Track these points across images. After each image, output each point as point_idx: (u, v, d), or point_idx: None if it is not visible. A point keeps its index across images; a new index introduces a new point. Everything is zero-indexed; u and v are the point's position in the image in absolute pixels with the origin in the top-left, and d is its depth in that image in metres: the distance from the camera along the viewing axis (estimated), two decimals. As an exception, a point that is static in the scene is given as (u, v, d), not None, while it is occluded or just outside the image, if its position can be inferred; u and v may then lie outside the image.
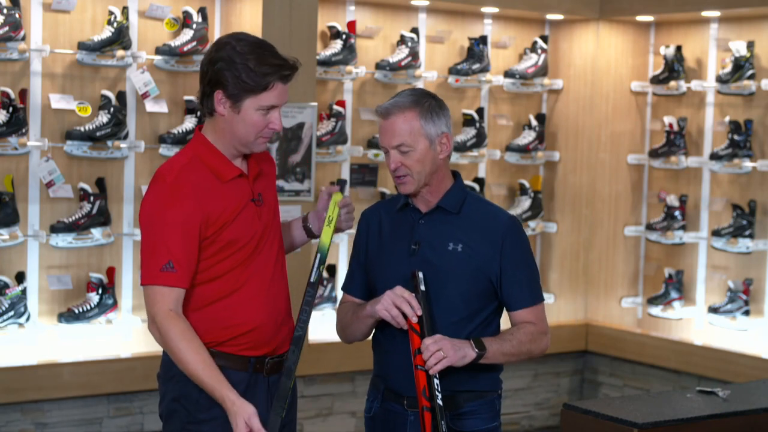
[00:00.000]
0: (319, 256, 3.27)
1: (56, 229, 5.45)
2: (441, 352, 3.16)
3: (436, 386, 3.19)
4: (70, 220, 5.50)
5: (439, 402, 3.19)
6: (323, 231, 3.29)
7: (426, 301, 3.24)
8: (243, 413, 3.07)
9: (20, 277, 5.43)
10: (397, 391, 3.37)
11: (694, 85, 6.85)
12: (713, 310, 6.69)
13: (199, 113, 5.74)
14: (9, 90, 5.32)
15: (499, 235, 3.30)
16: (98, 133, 5.51)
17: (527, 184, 7.05)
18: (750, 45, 6.57)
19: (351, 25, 6.29)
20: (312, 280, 3.26)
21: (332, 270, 6.35)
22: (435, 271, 3.28)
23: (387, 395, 3.40)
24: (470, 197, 3.38)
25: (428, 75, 6.54)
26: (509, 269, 3.30)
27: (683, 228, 6.93)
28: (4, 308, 5.33)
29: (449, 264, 3.29)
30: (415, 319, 3.20)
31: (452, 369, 3.24)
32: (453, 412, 3.31)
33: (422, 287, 3.23)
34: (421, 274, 3.24)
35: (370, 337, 3.47)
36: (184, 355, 3.11)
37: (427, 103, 3.28)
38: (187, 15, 5.76)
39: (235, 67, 3.13)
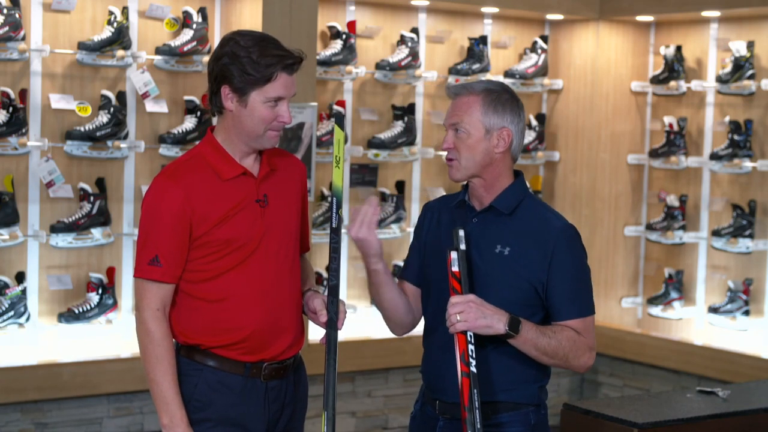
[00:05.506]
0: (334, 200, 3.20)
1: (56, 229, 5.45)
2: (460, 315, 3.05)
3: (470, 352, 3.06)
4: (70, 220, 5.50)
5: (473, 369, 3.05)
6: (334, 173, 3.22)
7: (466, 261, 3.13)
8: None
9: (20, 277, 5.43)
10: (430, 390, 3.27)
11: (694, 85, 6.84)
12: (713, 310, 6.69)
13: (198, 114, 5.75)
14: (9, 90, 5.32)
15: (551, 242, 3.16)
16: (98, 133, 5.51)
17: (527, 184, 7.04)
18: (750, 45, 6.57)
19: (351, 25, 6.28)
20: (334, 226, 3.19)
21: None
22: (478, 273, 3.16)
23: (426, 397, 3.31)
24: (529, 199, 3.26)
25: (428, 75, 6.52)
26: (556, 279, 3.18)
27: (683, 228, 6.93)
28: (4, 308, 5.33)
29: (492, 267, 3.16)
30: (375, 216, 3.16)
31: (489, 378, 3.16)
32: (486, 421, 3.18)
33: (462, 246, 3.12)
34: (462, 232, 3.14)
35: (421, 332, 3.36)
36: (153, 360, 3.23)
37: (495, 94, 3.19)
38: (187, 15, 5.76)
39: (239, 61, 3.12)
